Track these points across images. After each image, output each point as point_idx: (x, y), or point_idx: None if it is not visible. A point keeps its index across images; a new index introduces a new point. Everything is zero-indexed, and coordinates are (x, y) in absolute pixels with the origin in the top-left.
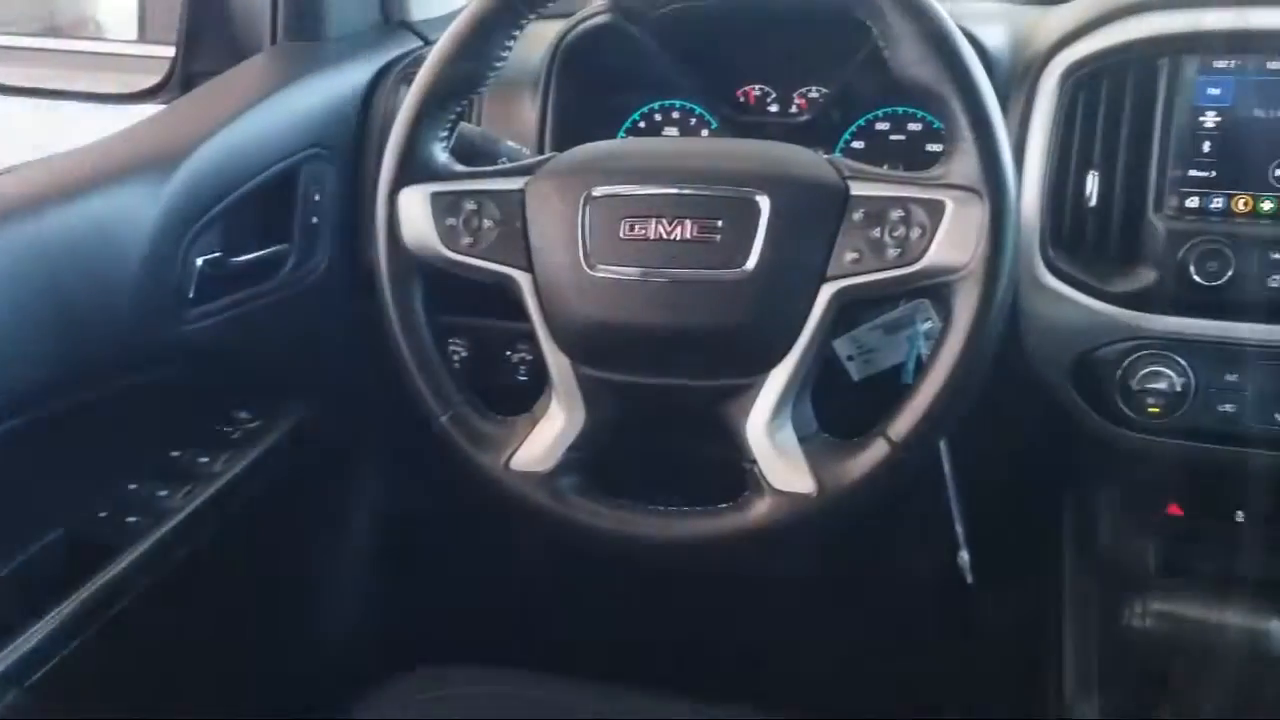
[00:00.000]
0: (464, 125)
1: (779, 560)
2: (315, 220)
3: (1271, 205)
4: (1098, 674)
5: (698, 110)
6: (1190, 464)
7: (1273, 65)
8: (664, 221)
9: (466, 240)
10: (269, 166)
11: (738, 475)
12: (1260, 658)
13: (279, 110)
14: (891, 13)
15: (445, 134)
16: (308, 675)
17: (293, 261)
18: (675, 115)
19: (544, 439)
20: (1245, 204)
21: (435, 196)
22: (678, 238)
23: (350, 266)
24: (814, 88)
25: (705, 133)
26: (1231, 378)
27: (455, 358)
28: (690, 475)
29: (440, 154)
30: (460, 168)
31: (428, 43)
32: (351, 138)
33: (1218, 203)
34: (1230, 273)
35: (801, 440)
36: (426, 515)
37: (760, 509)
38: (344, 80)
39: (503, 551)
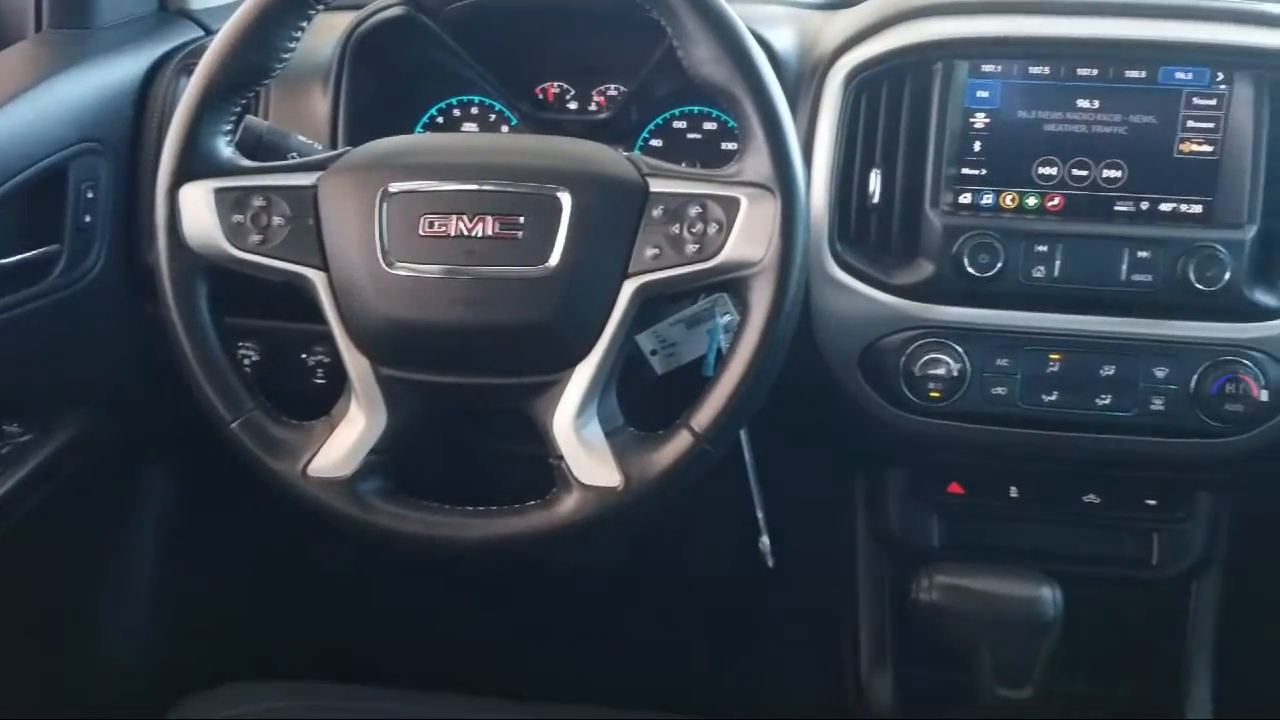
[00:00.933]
0: (250, 119)
1: (589, 554)
2: (89, 219)
3: (1035, 201)
4: (891, 648)
5: (497, 106)
6: (969, 445)
7: (1035, 70)
8: (465, 218)
9: (255, 238)
10: (34, 163)
11: (546, 471)
12: (1035, 621)
13: (43, 102)
14: (684, 13)
15: (229, 127)
16: (100, 697)
17: (64, 263)
18: (474, 111)
19: (343, 443)
20: (1012, 200)
21: (220, 192)
22: (479, 235)
23: (128, 267)
24: (613, 86)
25: (505, 129)
26: (1003, 363)
27: (246, 361)
28: (498, 473)
29: (224, 148)
30: (247, 163)
31: (209, 32)
32: (127, 132)
33: (988, 199)
34: (1000, 265)
35: (608, 434)
36: (223, 526)
37: (568, 504)
38: (117, 71)
39: (306, 561)
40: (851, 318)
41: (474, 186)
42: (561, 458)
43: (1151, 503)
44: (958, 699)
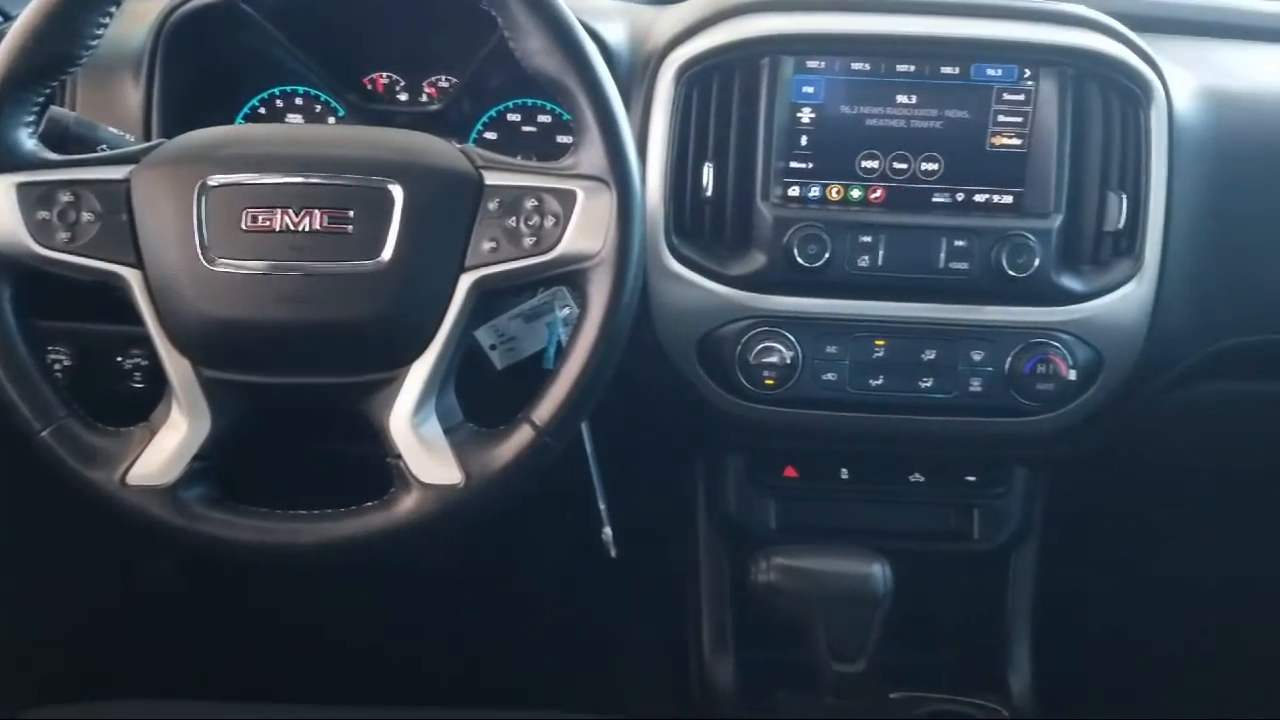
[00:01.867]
0: (55, 109)
1: (429, 555)
2: None
3: (859, 193)
4: (732, 632)
5: (323, 97)
6: (802, 429)
7: (856, 66)
8: (290, 212)
9: (63, 235)
10: None
11: (383, 472)
12: (866, 597)
13: None
14: (514, 4)
15: (32, 119)
16: None
17: None
18: (298, 102)
19: (164, 450)
20: (838, 192)
21: (22, 188)
22: (306, 229)
23: None
24: (444, 77)
25: (332, 120)
26: (832, 350)
27: (57, 367)
28: (333, 476)
29: (27, 140)
30: (52, 155)
31: (8, 18)
32: None
33: (815, 192)
34: (828, 255)
35: (447, 431)
36: (43, 539)
37: (408, 504)
38: None
39: (131, 573)
40: (688, 309)
41: (299, 179)
42: (399, 457)
43: (972, 479)
44: (796, 678)
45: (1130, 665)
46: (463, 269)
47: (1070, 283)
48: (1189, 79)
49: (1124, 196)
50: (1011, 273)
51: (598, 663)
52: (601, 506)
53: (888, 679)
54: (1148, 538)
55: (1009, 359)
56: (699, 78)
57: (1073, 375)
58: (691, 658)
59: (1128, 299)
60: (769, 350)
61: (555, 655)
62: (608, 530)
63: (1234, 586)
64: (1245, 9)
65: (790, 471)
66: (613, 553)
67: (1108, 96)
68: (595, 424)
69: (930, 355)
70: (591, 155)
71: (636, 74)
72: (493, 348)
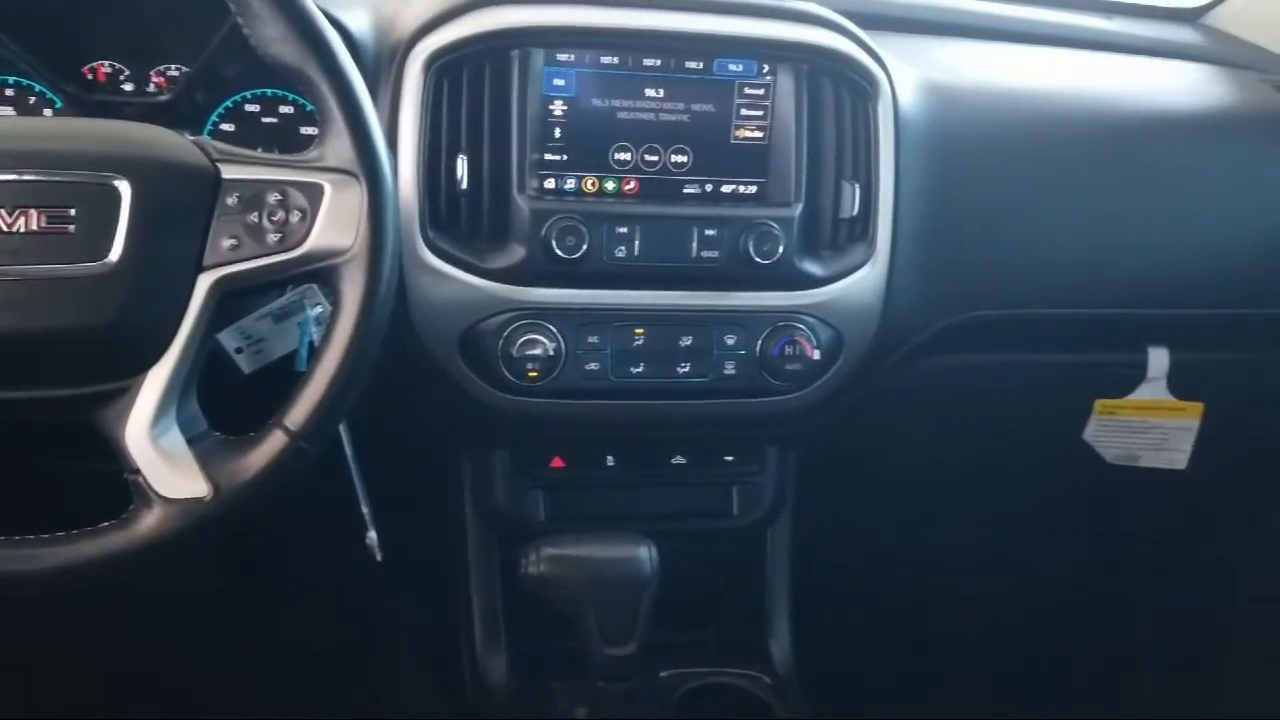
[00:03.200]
0: None
1: (184, 575)
2: None
3: (614, 185)
4: (505, 627)
5: (37, 88)
6: (568, 420)
7: (606, 59)
8: (3, 212)
9: None
10: None
11: (122, 489)
12: (634, 580)
13: None
14: None
15: None
16: None
17: None
18: (9, 93)
19: None
20: (593, 184)
21: None
22: (22, 230)
23: None
24: (173, 66)
25: (48, 113)
26: (594, 340)
27: None
28: (70, 496)
29: None
30: None
31: None
32: None
33: (570, 184)
34: (585, 246)
35: (190, 441)
36: None
37: (149, 521)
38: None
39: None
40: (448, 303)
41: (12, 176)
42: (138, 471)
43: (729, 459)
44: (570, 666)
45: (886, 630)
46: (200, 269)
47: (812, 268)
48: (911, 74)
49: (857, 185)
50: (758, 260)
51: (370, 670)
52: (365, 510)
53: (658, 658)
54: (895, 508)
55: (759, 342)
56: (448, 69)
57: (817, 355)
58: (464, 656)
59: (863, 281)
60: (532, 343)
61: (324, 667)
62: (372, 534)
63: (974, 552)
64: (961, 8)
65: (557, 462)
66: (378, 557)
67: (839, 91)
68: (354, 425)
69: (687, 341)
70: (338, 147)
71: (384, 64)
72: (239, 351)
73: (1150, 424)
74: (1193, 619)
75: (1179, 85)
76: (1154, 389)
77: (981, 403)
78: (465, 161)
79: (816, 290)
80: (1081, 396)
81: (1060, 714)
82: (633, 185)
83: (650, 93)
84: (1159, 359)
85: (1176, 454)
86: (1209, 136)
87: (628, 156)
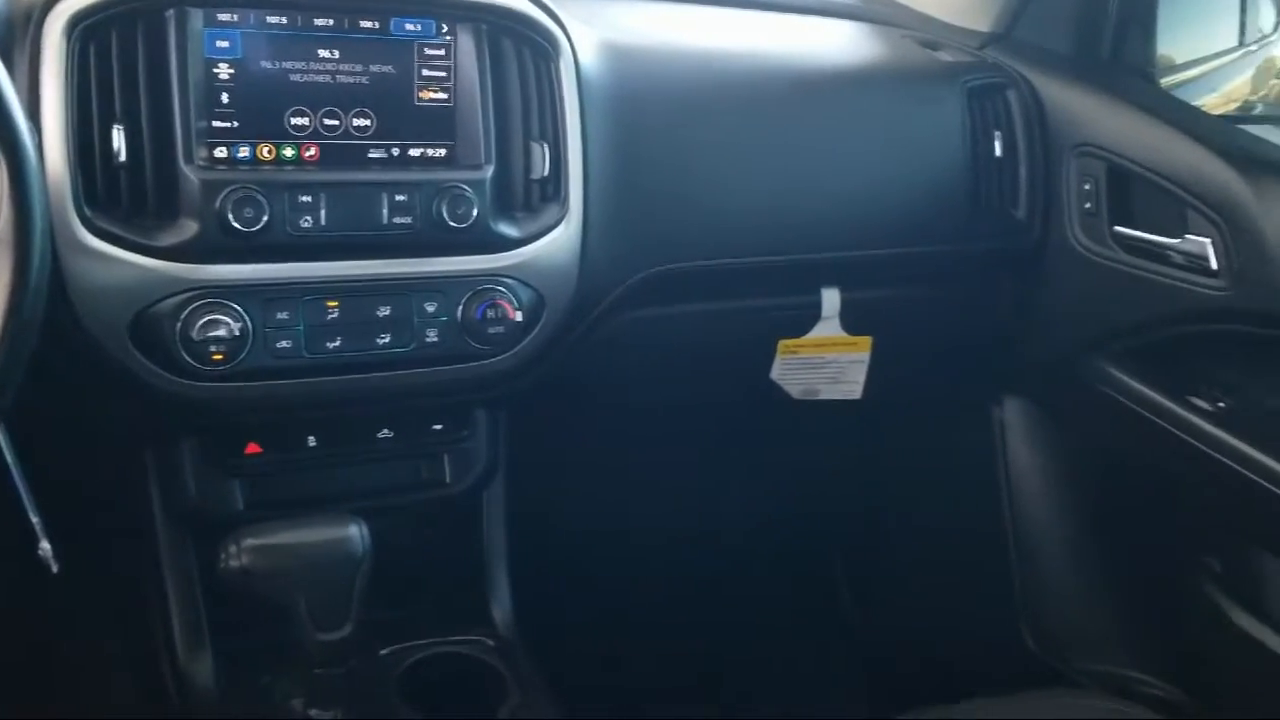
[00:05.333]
0: None
1: None
2: None
3: (292, 152)
4: (208, 627)
5: None
6: (261, 403)
7: (272, 20)
8: None
9: None
10: None
11: None
12: (345, 561)
13: None
14: None
15: None
16: None
17: None
18: None
19: None
20: (269, 152)
21: None
22: None
23: None
24: None
25: None
26: (284, 316)
27: None
28: None
29: None
30: None
31: None
32: None
33: (244, 152)
34: (266, 218)
35: None
36: None
37: None
38: None
39: None
40: (114, 287)
41: None
42: None
43: (438, 428)
44: (282, 658)
45: (604, 580)
46: None
47: (508, 230)
48: (591, 34)
49: (545, 146)
50: (453, 224)
51: (61, 689)
52: (34, 520)
53: (378, 637)
54: (606, 460)
55: (460, 307)
56: (94, 31)
57: (519, 317)
58: (164, 663)
59: (558, 241)
60: (214, 323)
61: (11, 696)
62: (45, 545)
63: (684, 494)
64: None
65: (253, 448)
66: (54, 568)
67: (521, 51)
68: (15, 427)
69: (385, 311)
70: None
71: (17, 28)
72: None
73: (827, 359)
74: (877, 536)
75: (839, 43)
76: (829, 326)
77: (680, 353)
78: (122, 132)
79: (514, 252)
80: (768, 339)
81: (769, 635)
82: (313, 151)
83: (324, 54)
84: (831, 299)
85: (852, 385)
86: (864, 90)
87: (305, 121)
